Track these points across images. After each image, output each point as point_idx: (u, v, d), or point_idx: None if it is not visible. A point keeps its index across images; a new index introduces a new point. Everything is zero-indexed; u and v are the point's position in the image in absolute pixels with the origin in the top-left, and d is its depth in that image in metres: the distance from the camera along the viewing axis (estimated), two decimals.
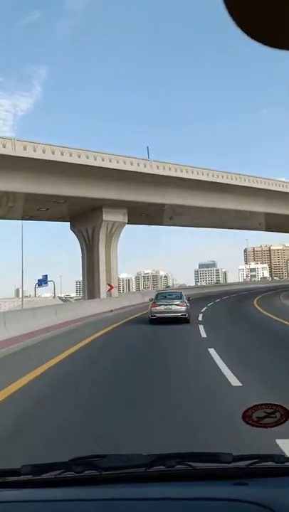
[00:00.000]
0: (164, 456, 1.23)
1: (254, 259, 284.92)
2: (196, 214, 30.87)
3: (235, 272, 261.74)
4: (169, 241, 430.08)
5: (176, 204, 27.70)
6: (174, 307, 15.16)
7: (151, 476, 1.19)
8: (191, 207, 28.75)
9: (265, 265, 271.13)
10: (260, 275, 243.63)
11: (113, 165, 23.33)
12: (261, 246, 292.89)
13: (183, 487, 1.14)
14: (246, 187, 30.00)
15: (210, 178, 28.01)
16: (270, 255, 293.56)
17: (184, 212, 29.80)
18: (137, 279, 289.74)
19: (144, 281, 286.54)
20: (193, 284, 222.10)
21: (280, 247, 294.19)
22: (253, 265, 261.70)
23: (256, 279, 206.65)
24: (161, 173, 25.32)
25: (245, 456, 1.21)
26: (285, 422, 1.24)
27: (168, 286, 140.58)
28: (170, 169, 25.84)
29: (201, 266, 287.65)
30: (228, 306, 23.76)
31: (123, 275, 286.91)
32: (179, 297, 15.90)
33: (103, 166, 22.92)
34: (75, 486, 1.18)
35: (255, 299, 27.36)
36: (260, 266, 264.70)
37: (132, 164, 24.28)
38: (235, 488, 1.09)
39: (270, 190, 31.56)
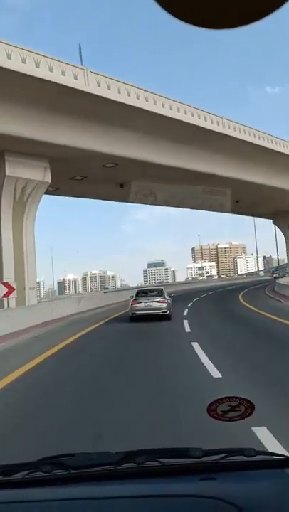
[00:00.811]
0: (134, 453, 1.21)
1: (202, 258, 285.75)
2: (162, 183, 20.46)
3: (184, 271, 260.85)
4: (117, 240, 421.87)
5: (130, 158, 17.25)
6: (154, 304, 14.72)
7: (120, 473, 1.17)
8: (155, 166, 18.37)
9: (213, 263, 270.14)
10: (209, 273, 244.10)
11: (18, 66, 12.39)
12: (209, 244, 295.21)
13: (151, 484, 1.13)
14: (244, 142, 20.36)
15: (191, 120, 17.87)
16: (217, 254, 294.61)
17: (145, 175, 19.24)
18: (84, 280, 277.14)
19: (91, 282, 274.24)
20: (142, 283, 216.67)
21: (227, 246, 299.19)
22: (201, 264, 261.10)
23: (204, 277, 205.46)
24: (104, 96, 14.60)
25: (216, 450, 1.20)
26: (250, 415, 1.23)
27: (106, 288, 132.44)
28: (121, 92, 15.18)
29: (149, 265, 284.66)
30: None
31: (69, 276, 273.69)
32: (160, 293, 15.43)
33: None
34: (42, 487, 1.16)
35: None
36: (208, 264, 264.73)
37: (61, 74, 13.49)
38: (202, 483, 1.09)
39: (274, 151, 22.27)
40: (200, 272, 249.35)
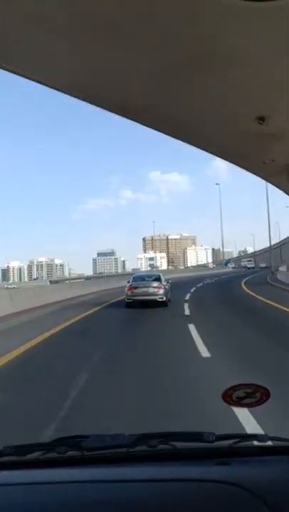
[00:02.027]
0: (147, 435, 1.24)
1: (152, 248, 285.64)
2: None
3: (134, 261, 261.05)
4: (66, 229, 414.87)
5: None
6: (151, 290, 14.71)
7: (133, 456, 1.20)
8: None
9: (164, 254, 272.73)
10: (159, 264, 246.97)
11: None
12: (159, 235, 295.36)
13: (164, 467, 1.15)
14: None
15: None
16: (167, 244, 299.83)
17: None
18: (30, 267, 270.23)
19: (37, 270, 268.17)
20: (91, 273, 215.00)
21: (177, 237, 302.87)
22: (151, 254, 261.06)
23: (151, 268, 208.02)
24: None
25: (229, 435, 1.23)
26: (265, 401, 1.25)
27: (52, 281, 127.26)
28: None
29: (99, 254, 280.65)
30: None
31: (14, 263, 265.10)
32: (157, 279, 15.42)
33: None
34: (57, 467, 1.19)
35: None
36: (158, 255, 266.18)
37: None
38: (216, 468, 1.10)
39: None
40: (151, 262, 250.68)
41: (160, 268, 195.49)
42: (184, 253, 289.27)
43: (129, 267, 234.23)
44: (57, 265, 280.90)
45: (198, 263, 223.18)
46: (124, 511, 0.96)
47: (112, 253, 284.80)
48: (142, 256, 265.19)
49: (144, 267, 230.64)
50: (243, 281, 31.39)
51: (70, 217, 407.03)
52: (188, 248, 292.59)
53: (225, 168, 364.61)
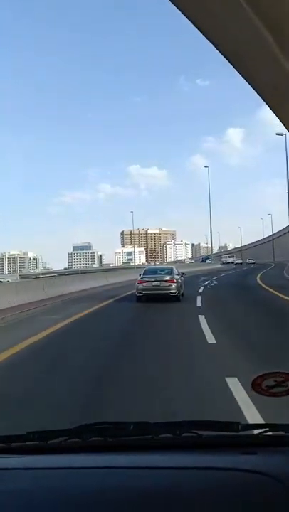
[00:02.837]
0: (171, 423, 1.26)
1: (131, 243, 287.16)
2: None
3: (112, 256, 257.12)
4: (41, 221, 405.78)
5: None
6: (162, 284, 14.20)
7: (157, 444, 1.21)
8: None
9: (142, 249, 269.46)
10: (138, 259, 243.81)
11: None
12: (138, 229, 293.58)
13: (189, 456, 1.16)
14: None
15: None
16: (146, 239, 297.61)
17: None
18: (1, 260, 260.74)
19: (9, 263, 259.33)
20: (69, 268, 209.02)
21: (157, 231, 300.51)
22: (129, 249, 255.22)
23: (132, 263, 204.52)
24: None
25: (254, 425, 1.24)
26: None
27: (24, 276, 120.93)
28: None
29: (75, 248, 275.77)
30: None
31: None
32: (169, 272, 14.92)
33: None
34: (80, 453, 1.20)
35: None
36: (136, 249, 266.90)
37: None
38: (242, 457, 1.10)
39: None
40: (129, 257, 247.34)
41: (140, 263, 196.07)
42: (164, 248, 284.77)
43: (106, 262, 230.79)
44: (30, 258, 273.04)
45: (177, 258, 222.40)
46: (147, 498, 0.96)
47: (88, 247, 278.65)
48: (119, 250, 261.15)
49: (121, 261, 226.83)
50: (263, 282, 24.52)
51: (45, 210, 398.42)
52: (167, 243, 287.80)
53: (204, 164, 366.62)
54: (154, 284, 14.18)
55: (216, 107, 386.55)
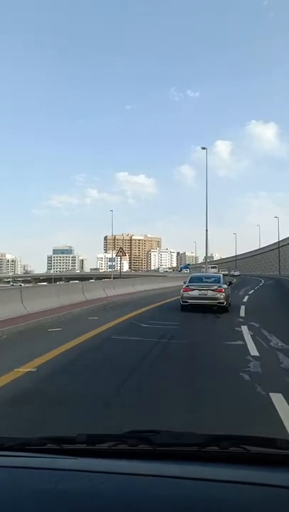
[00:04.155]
0: (218, 436, 1.27)
1: (114, 248, 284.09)
2: None
3: (94, 261, 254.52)
4: (25, 223, 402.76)
5: None
6: (210, 293, 13.47)
7: (204, 455, 1.22)
8: None
9: (126, 256, 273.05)
10: (120, 266, 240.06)
11: None
12: (123, 234, 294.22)
13: (236, 470, 1.16)
14: None
15: None
16: (130, 245, 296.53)
17: None
18: None
19: None
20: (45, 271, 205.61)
21: (142, 238, 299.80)
22: (112, 254, 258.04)
23: (114, 269, 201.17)
24: None
25: None
26: None
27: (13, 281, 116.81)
28: None
29: (55, 251, 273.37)
30: None
31: None
32: (218, 281, 14.30)
33: None
34: (128, 459, 1.23)
35: None
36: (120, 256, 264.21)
37: None
38: (288, 475, 1.11)
39: None
40: (110, 263, 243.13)
41: (124, 271, 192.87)
42: (148, 255, 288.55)
43: (88, 267, 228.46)
44: (8, 260, 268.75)
45: (161, 266, 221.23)
46: (192, 509, 1.00)
47: (69, 250, 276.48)
48: (102, 255, 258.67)
49: (103, 267, 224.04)
50: None
51: (31, 212, 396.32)
52: (152, 250, 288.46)
53: (192, 175, 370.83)
54: (200, 293, 13.55)
55: (205, 119, 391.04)
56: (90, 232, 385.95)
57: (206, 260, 51.03)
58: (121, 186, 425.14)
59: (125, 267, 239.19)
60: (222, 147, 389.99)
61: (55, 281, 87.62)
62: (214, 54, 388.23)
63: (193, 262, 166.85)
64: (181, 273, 79.79)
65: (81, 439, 1.28)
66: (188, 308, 13.41)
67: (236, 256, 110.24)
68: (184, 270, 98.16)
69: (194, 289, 13.76)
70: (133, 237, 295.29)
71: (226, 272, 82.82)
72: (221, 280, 14.45)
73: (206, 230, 40.65)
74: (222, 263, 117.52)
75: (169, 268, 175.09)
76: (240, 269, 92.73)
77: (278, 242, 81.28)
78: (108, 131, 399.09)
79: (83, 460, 1.24)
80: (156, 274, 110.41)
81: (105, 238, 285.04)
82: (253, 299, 19.26)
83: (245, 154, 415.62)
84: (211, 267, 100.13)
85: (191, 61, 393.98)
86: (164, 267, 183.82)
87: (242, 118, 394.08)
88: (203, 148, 41.39)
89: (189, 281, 14.49)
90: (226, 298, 13.51)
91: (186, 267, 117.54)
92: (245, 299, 18.70)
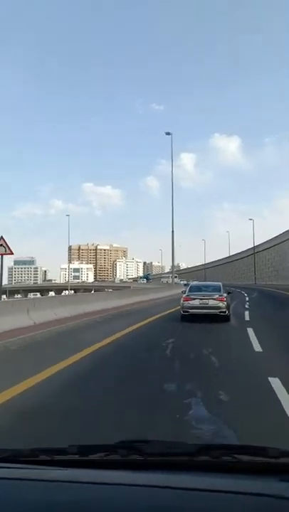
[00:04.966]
0: (210, 446, 1.36)
1: (79, 259, 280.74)
2: None
3: (57, 272, 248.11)
4: None
5: None
6: (211, 302, 13.96)
7: (195, 465, 1.27)
8: None
9: (91, 266, 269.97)
10: (85, 276, 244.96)
11: None
12: (88, 244, 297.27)
13: (227, 479, 1.18)
14: None
15: None
16: (96, 255, 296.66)
17: None
18: None
19: None
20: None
21: (107, 247, 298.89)
22: (77, 265, 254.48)
23: (78, 280, 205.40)
24: None
25: None
26: None
27: None
28: None
29: (16, 262, 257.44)
30: None
31: None
32: (218, 289, 14.85)
33: None
34: (120, 470, 1.28)
35: None
36: (84, 266, 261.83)
37: None
38: (279, 484, 1.13)
39: None
40: (75, 274, 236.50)
41: (88, 281, 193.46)
42: (114, 265, 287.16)
43: (52, 279, 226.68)
44: None
45: (128, 276, 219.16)
46: None
47: (31, 261, 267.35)
48: (65, 266, 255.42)
49: (67, 278, 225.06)
50: None
51: None
52: (118, 260, 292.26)
53: (157, 186, 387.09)
54: (201, 302, 13.90)
55: (171, 131, 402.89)
56: (54, 243, 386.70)
57: (172, 270, 49.89)
58: (87, 197, 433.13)
59: (90, 278, 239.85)
60: (187, 160, 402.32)
61: (11, 294, 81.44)
62: (178, 67, 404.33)
63: (160, 272, 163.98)
64: (143, 284, 78.47)
65: (73, 450, 1.32)
66: (189, 318, 13.73)
67: (205, 264, 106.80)
68: (141, 281, 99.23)
69: (195, 298, 14.02)
70: (98, 247, 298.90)
71: (185, 282, 68.69)
72: (222, 289, 14.75)
73: (172, 238, 40.44)
74: (189, 272, 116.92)
75: (129, 278, 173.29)
76: (210, 278, 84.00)
77: (253, 247, 78.02)
78: (73, 141, 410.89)
79: (74, 471, 1.26)
80: (115, 285, 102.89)
81: (69, 248, 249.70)
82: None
83: (209, 167, 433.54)
84: (171, 277, 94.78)
85: (155, 74, 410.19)
86: (120, 278, 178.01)
87: (206, 131, 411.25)
88: (168, 133, 40.40)
89: (189, 291, 14.86)
90: (228, 307, 13.92)
91: (146, 277, 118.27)
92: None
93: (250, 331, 11.14)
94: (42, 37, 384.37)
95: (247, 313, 17.19)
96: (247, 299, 27.88)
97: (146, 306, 21.98)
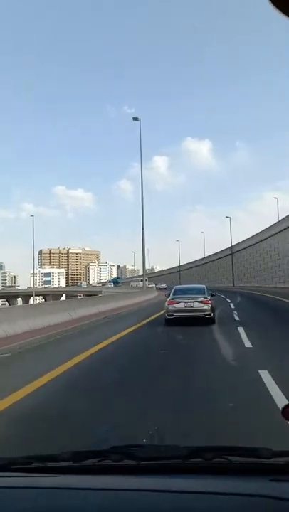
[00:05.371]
0: (202, 448, 1.33)
1: (50, 263, 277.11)
2: None
3: (27, 277, 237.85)
4: None
5: None
6: (196, 304, 13.92)
7: (188, 468, 1.28)
8: None
9: (62, 270, 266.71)
10: (56, 281, 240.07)
11: None
12: (59, 248, 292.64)
13: (219, 481, 1.21)
14: None
15: None
16: (68, 259, 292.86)
17: None
18: None
19: None
20: None
21: (80, 251, 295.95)
22: (47, 269, 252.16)
23: (49, 285, 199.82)
24: None
25: (286, 452, 1.28)
26: None
27: None
28: None
29: None
30: None
31: None
32: (202, 292, 14.69)
33: None
34: (112, 475, 1.29)
35: None
36: (56, 270, 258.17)
37: None
38: (271, 484, 1.15)
39: None
40: (46, 279, 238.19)
41: (56, 286, 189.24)
42: (86, 269, 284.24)
43: (23, 284, 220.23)
44: None
45: (101, 280, 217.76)
46: None
47: None
48: (36, 271, 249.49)
49: (38, 283, 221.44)
50: None
51: None
52: (90, 264, 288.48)
53: (130, 190, 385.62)
54: (186, 305, 13.85)
55: (143, 135, 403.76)
56: (24, 247, 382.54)
57: (144, 271, 43.64)
58: (59, 200, 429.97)
59: (62, 282, 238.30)
60: (160, 162, 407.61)
61: None
62: (150, 70, 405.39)
63: (133, 275, 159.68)
64: (111, 288, 75.21)
65: (65, 456, 1.33)
66: (174, 321, 13.64)
67: (180, 266, 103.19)
68: (109, 284, 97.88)
69: (180, 302, 13.97)
70: (70, 251, 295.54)
71: (153, 285, 68.54)
72: (206, 291, 14.65)
73: (143, 236, 36.58)
74: (164, 275, 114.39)
75: (98, 282, 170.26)
76: (185, 281, 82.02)
77: (231, 247, 73.96)
78: (46, 144, 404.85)
79: (67, 477, 1.28)
80: (80, 290, 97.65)
81: (40, 253, 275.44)
82: None
83: (182, 170, 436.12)
84: (140, 280, 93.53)
85: (127, 77, 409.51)
86: (81, 283, 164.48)
87: (178, 135, 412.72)
88: (135, 118, 36.66)
89: (173, 294, 14.74)
90: (213, 309, 13.92)
91: (116, 280, 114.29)
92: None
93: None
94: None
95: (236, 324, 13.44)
96: (232, 306, 22.47)
97: (94, 325, 15.46)
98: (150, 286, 55.40)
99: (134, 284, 74.92)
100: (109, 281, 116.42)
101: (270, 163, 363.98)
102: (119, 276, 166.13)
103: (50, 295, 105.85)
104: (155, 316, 17.54)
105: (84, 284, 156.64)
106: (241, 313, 17.35)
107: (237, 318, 15.94)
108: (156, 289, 54.85)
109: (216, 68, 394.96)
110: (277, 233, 57.04)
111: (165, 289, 57.35)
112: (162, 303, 17.43)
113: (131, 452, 1.36)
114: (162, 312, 15.48)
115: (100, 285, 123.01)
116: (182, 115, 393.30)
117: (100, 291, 63.62)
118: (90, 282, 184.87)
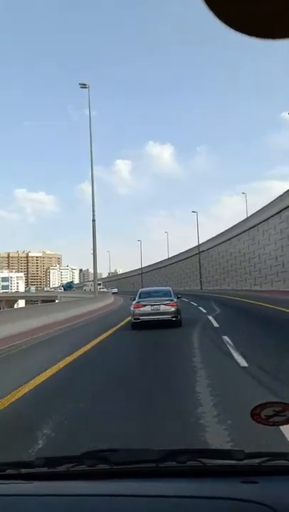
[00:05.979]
0: (176, 451, 1.32)
1: (8, 267, 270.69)
2: None
3: None
4: None
5: None
6: (162, 307, 13.75)
7: (161, 471, 1.28)
8: None
9: (21, 274, 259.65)
10: (15, 285, 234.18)
11: None
12: (18, 252, 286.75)
13: (193, 484, 1.22)
14: None
15: None
16: (27, 263, 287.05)
17: None
18: None
19: None
20: None
21: (40, 254, 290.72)
22: (5, 273, 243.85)
23: (7, 290, 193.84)
24: None
25: (259, 453, 1.28)
26: None
27: None
28: None
29: None
30: None
31: None
32: (168, 294, 14.67)
33: None
34: (86, 480, 1.29)
35: None
36: (14, 274, 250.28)
37: None
38: (243, 486, 1.15)
39: None
40: (4, 283, 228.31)
41: (20, 290, 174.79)
42: (47, 273, 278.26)
43: None
44: None
45: (30, 286, 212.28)
46: None
47: None
48: None
49: None
50: None
51: None
52: (51, 268, 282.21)
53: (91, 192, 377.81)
54: (152, 308, 13.69)
55: (104, 138, 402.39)
56: None
57: (94, 273, 38.40)
58: (19, 203, 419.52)
59: (21, 287, 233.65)
60: (122, 166, 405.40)
61: None
62: (110, 74, 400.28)
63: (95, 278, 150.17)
64: (63, 293, 70.70)
65: (39, 462, 1.31)
66: (140, 325, 13.44)
67: (142, 268, 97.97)
68: (59, 290, 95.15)
69: (146, 305, 13.83)
70: (30, 254, 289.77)
71: (105, 289, 69.40)
72: (172, 293, 14.64)
73: (94, 228, 32.20)
74: (125, 278, 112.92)
75: (51, 287, 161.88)
76: (148, 284, 70.86)
77: (198, 246, 67.26)
78: (5, 146, 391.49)
79: (41, 484, 1.27)
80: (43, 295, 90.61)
81: None
82: None
83: (144, 174, 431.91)
84: (91, 284, 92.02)
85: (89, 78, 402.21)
86: (30, 288, 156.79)
87: (140, 138, 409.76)
88: (83, 85, 32.24)
89: (139, 297, 14.57)
90: (179, 311, 13.84)
91: (70, 285, 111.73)
92: None
93: None
94: None
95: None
96: (212, 320, 15.36)
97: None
98: (102, 290, 54.04)
99: (87, 288, 73.33)
100: (61, 286, 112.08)
101: (230, 167, 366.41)
102: (72, 281, 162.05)
103: (4, 301, 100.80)
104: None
105: (33, 288, 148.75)
106: (236, 338, 10.06)
107: (239, 358, 7.65)
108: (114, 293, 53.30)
109: (182, 73, 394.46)
110: (249, 229, 51.11)
111: (116, 293, 57.55)
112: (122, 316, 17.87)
113: (104, 457, 1.34)
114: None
115: (52, 290, 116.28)
116: (144, 119, 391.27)
117: (56, 297, 61.24)
118: (51, 287, 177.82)
